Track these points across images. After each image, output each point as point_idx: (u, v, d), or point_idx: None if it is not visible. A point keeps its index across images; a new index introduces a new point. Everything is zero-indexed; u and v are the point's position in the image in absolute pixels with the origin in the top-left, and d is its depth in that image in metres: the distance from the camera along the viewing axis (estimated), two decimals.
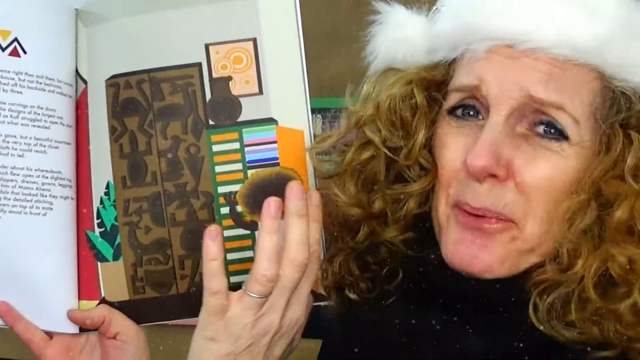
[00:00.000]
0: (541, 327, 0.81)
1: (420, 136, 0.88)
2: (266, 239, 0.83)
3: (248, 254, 0.94)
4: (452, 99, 0.87)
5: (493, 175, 0.81)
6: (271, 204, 0.84)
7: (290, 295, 0.84)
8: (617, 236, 0.80)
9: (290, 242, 0.83)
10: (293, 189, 0.85)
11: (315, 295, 0.96)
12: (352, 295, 0.95)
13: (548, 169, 0.81)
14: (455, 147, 0.85)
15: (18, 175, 0.90)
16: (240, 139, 0.93)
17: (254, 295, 0.83)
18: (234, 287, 0.94)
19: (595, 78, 0.81)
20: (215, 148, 0.93)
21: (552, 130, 0.81)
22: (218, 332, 0.84)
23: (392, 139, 0.89)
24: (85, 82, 0.96)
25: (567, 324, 0.81)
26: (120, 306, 0.95)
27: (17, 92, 0.90)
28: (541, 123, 0.81)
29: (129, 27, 0.94)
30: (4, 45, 0.89)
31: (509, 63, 0.81)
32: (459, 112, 0.86)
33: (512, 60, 0.81)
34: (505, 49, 0.82)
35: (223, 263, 0.84)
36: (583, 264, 0.80)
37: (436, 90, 0.89)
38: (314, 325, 0.94)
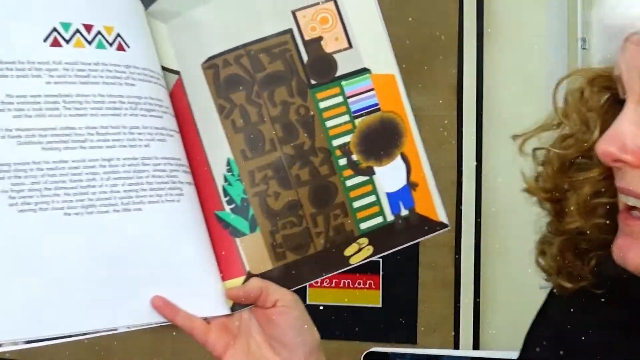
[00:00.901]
0: None
1: (596, 130, 0.84)
2: None
3: (371, 199, 0.99)
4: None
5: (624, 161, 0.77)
6: None
7: None
8: None
9: None
10: None
11: (433, 222, 1.01)
12: (566, 284, 0.89)
13: None
14: None
15: (148, 165, 0.89)
16: (342, 92, 0.98)
17: None
18: (363, 234, 0.99)
19: None
20: (322, 105, 0.98)
21: None
22: None
23: (577, 131, 0.87)
24: (177, 72, 0.97)
25: None
26: (265, 276, 0.96)
27: (131, 85, 0.90)
28: None
29: (211, 12, 0.97)
30: (110, 40, 0.89)
31: (634, 49, 0.76)
32: None
33: (636, 45, 0.75)
34: (635, 36, 0.75)
35: None
36: None
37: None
38: None
